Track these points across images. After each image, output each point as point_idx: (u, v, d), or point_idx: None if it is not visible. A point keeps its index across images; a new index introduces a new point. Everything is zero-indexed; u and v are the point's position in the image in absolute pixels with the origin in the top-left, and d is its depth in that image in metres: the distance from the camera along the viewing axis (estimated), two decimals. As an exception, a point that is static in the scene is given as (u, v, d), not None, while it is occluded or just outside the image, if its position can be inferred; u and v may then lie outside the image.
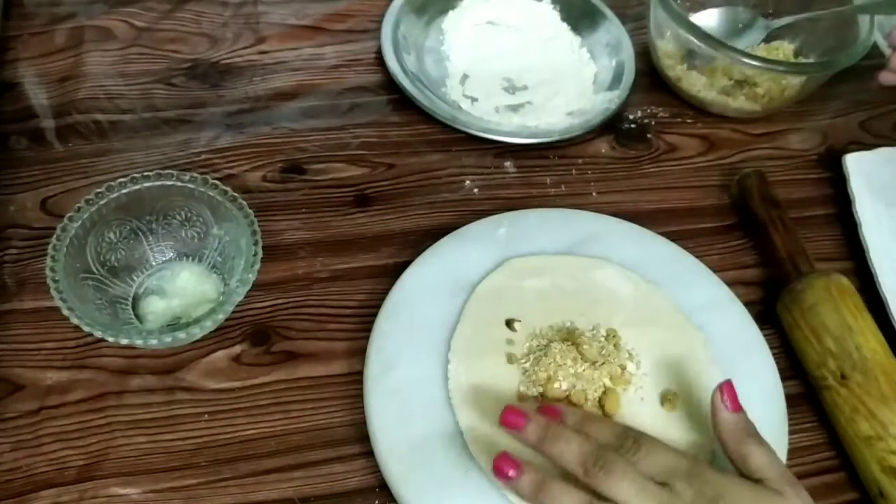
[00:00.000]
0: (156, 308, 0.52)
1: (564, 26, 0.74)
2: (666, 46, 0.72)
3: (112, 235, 0.52)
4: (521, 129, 0.65)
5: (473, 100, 0.68)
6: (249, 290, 0.49)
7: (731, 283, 0.57)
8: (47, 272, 0.47)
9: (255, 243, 0.50)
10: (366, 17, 0.73)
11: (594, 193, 0.64)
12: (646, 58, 0.73)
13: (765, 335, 0.55)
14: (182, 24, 0.70)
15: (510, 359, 0.51)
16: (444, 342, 0.52)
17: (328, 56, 0.70)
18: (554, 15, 0.75)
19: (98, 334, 0.45)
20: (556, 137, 0.65)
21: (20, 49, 0.66)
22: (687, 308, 0.55)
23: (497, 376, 0.50)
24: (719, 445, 0.45)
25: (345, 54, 0.70)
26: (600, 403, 0.49)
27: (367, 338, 0.52)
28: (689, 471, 0.41)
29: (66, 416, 0.49)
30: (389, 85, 0.67)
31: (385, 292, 0.54)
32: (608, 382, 0.50)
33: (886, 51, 0.75)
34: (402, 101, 0.66)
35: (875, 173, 0.65)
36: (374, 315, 0.53)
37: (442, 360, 0.51)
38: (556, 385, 0.48)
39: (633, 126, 0.69)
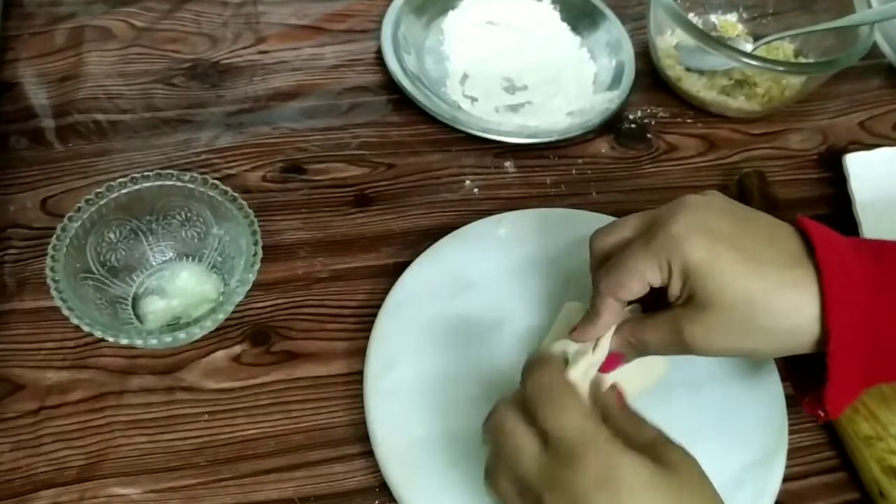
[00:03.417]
0: (156, 308, 0.52)
1: (564, 26, 0.74)
2: (666, 46, 0.72)
3: (112, 235, 0.52)
4: (521, 129, 0.65)
5: (473, 100, 0.68)
6: (249, 290, 0.49)
7: (731, 283, 0.57)
8: (47, 272, 0.47)
9: (255, 243, 0.50)
10: (366, 17, 0.73)
11: (594, 193, 0.64)
12: (646, 58, 0.73)
13: (765, 335, 0.55)
14: (182, 24, 0.70)
15: None
16: (445, 342, 0.52)
17: (328, 56, 0.70)
18: (554, 15, 0.75)
19: (98, 334, 0.46)
20: (556, 137, 0.65)
21: (20, 49, 0.66)
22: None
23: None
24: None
25: (345, 54, 0.70)
26: None
27: (367, 338, 0.52)
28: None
29: (66, 416, 0.49)
30: (389, 85, 0.67)
31: (385, 292, 0.54)
32: None
33: (886, 50, 0.76)
34: (402, 101, 0.66)
35: (875, 173, 0.65)
36: (374, 315, 0.53)
37: (442, 359, 0.51)
38: None
39: (633, 126, 0.69)
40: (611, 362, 0.43)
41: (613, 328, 0.44)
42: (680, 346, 0.41)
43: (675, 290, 0.41)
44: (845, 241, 0.40)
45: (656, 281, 0.41)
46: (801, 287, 0.39)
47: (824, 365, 0.39)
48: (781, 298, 0.39)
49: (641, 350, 0.43)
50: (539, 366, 0.40)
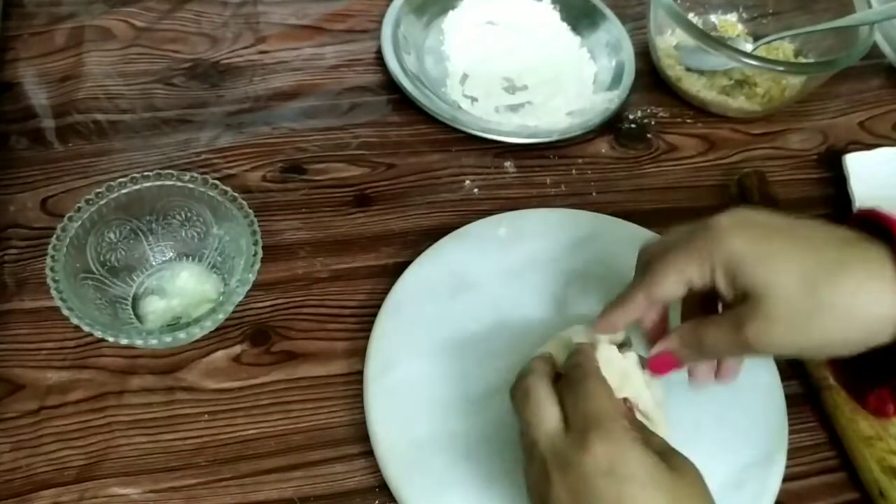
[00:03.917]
0: (156, 308, 0.52)
1: (564, 26, 0.74)
2: (666, 46, 0.72)
3: (112, 235, 0.52)
4: (521, 129, 0.65)
5: (473, 100, 0.68)
6: (249, 290, 0.49)
7: (731, 283, 0.57)
8: (47, 272, 0.47)
9: (255, 243, 0.50)
10: (366, 17, 0.73)
11: (594, 193, 0.64)
12: (646, 58, 0.73)
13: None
14: (182, 24, 0.70)
15: None
16: (445, 342, 0.52)
17: (328, 56, 0.70)
18: (554, 15, 0.75)
19: (98, 334, 0.46)
20: (556, 137, 0.65)
21: (20, 49, 0.66)
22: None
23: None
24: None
25: (345, 54, 0.70)
26: None
27: (367, 338, 0.52)
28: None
29: (66, 416, 0.49)
30: (389, 85, 0.67)
31: (385, 292, 0.54)
32: None
33: (886, 50, 0.76)
34: (402, 101, 0.66)
35: (875, 173, 0.65)
36: (374, 315, 0.53)
37: (442, 359, 0.51)
38: None
39: (633, 126, 0.69)
40: (664, 364, 0.42)
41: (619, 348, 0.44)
42: (741, 345, 0.38)
43: (724, 290, 0.39)
44: None
45: (697, 279, 0.39)
46: (868, 263, 0.36)
47: (886, 357, 0.37)
48: (845, 276, 0.36)
49: (697, 351, 0.41)
50: (575, 352, 0.41)
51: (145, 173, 0.51)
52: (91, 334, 0.46)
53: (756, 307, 0.37)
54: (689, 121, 0.71)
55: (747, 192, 0.63)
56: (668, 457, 0.37)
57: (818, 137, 0.71)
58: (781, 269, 0.37)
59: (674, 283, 0.40)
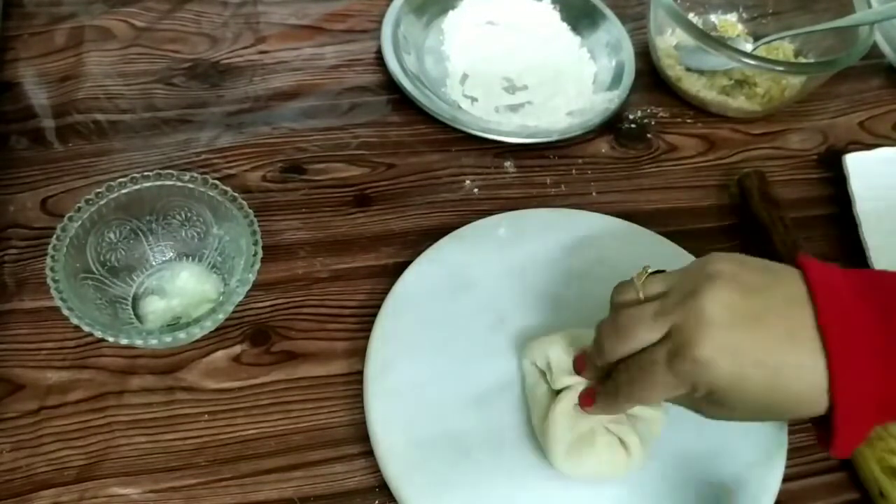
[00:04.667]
0: (156, 308, 0.52)
1: (564, 26, 0.74)
2: (666, 46, 0.72)
3: (112, 235, 0.52)
4: (521, 129, 0.65)
5: (473, 100, 0.68)
6: (249, 290, 0.49)
7: (731, 283, 0.57)
8: (47, 272, 0.47)
9: (255, 243, 0.50)
10: (366, 17, 0.73)
11: (594, 193, 0.64)
12: (646, 58, 0.73)
13: (765, 335, 0.55)
14: (182, 24, 0.70)
15: None
16: (445, 342, 0.52)
17: (328, 56, 0.70)
18: (554, 15, 0.75)
19: (98, 334, 0.46)
20: (556, 137, 0.65)
21: (20, 49, 0.66)
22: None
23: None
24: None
25: (345, 54, 0.70)
26: None
27: (367, 338, 0.52)
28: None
29: (66, 416, 0.49)
30: (389, 85, 0.67)
31: (385, 292, 0.54)
32: None
33: (886, 50, 0.76)
34: (402, 101, 0.67)
35: (875, 173, 0.65)
36: (374, 315, 0.53)
37: (442, 359, 0.51)
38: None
39: (633, 126, 0.69)
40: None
41: None
42: (697, 413, 0.43)
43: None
44: (849, 290, 0.39)
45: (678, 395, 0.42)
46: (818, 373, 0.38)
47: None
48: (798, 385, 0.39)
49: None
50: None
51: (145, 173, 0.51)
52: (91, 334, 0.46)
53: (717, 404, 0.41)
54: (689, 121, 0.71)
55: (747, 192, 0.63)
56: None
57: (818, 137, 0.72)
58: (752, 397, 0.40)
59: (657, 400, 0.44)
